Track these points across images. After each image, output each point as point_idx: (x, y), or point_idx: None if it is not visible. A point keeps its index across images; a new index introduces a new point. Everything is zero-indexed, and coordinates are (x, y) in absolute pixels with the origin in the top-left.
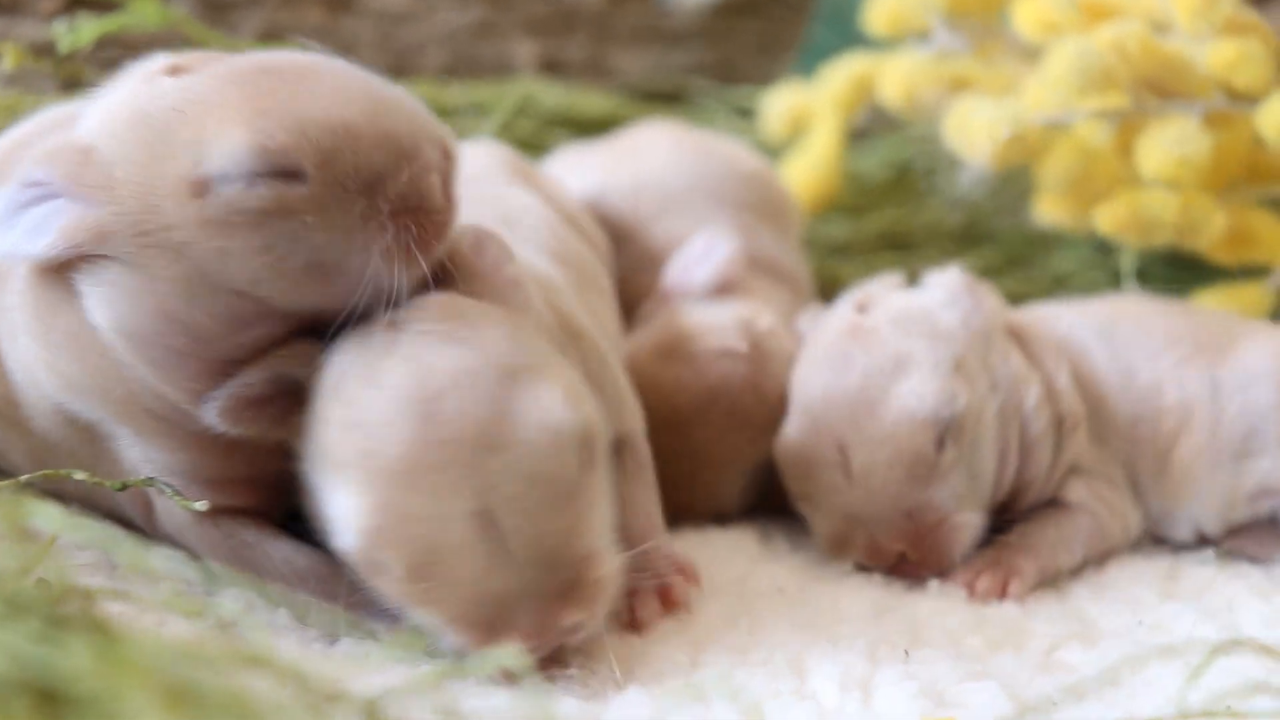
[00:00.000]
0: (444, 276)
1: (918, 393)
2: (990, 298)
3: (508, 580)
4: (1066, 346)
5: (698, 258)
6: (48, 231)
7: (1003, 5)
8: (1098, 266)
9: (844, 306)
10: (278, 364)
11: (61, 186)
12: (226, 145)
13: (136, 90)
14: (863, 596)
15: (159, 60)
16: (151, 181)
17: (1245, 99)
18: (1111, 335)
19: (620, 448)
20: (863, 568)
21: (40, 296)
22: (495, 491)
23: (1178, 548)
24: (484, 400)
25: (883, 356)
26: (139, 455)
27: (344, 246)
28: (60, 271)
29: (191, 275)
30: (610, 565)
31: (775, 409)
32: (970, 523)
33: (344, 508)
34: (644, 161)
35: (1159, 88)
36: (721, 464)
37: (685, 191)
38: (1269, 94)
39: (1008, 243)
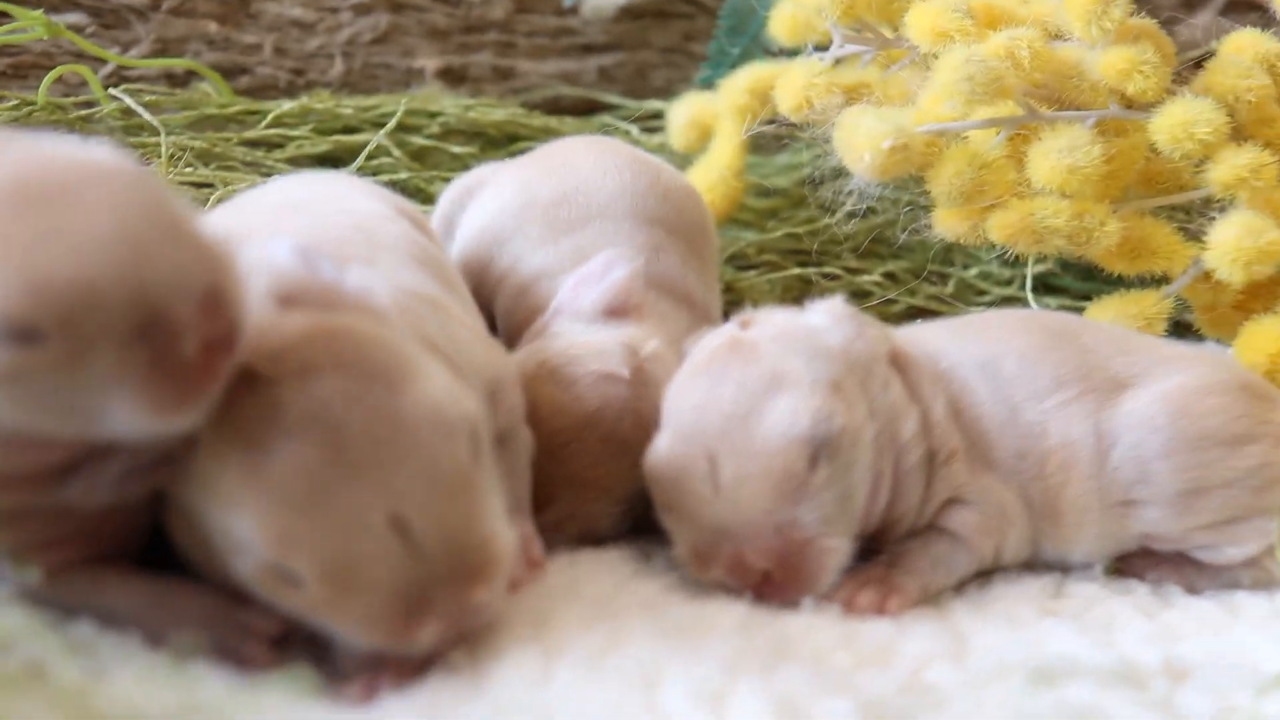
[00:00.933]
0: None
1: (793, 409)
2: (872, 327)
3: (421, 573)
4: (948, 379)
5: (593, 277)
6: None
7: (900, 13)
8: (1006, 275)
9: (727, 325)
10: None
11: None
12: None
13: None
14: (732, 612)
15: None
16: None
17: (1139, 107)
18: (996, 372)
19: (502, 438)
20: (726, 587)
21: None
22: (403, 496)
23: (1069, 567)
24: (377, 413)
25: (760, 371)
26: None
27: (91, 402)
28: None
29: None
30: (508, 542)
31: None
32: (838, 548)
33: (248, 531)
34: (572, 173)
35: (1052, 96)
36: (597, 490)
37: (606, 205)
38: (1163, 102)
39: (915, 253)
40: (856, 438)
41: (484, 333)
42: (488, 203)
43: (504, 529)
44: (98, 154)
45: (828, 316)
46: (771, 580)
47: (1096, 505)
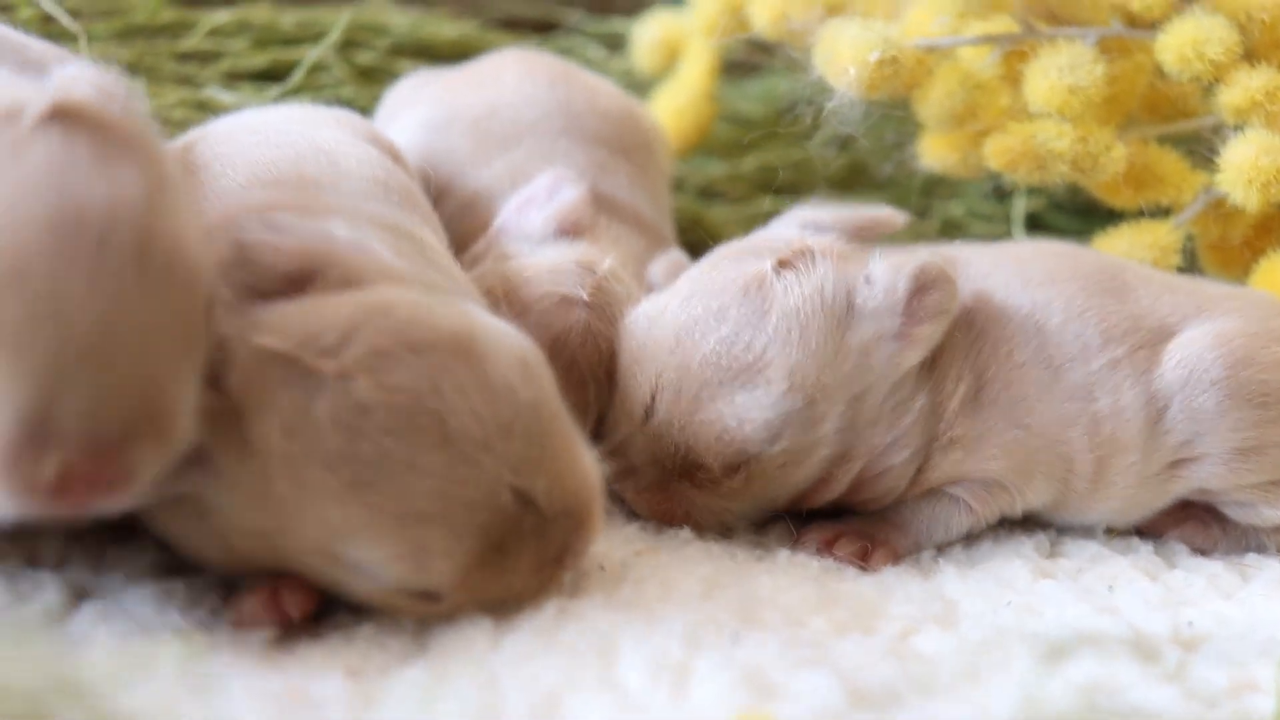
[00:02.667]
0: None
1: (746, 413)
2: (934, 305)
3: (550, 531)
4: (988, 336)
5: (538, 199)
6: None
7: None
8: (991, 213)
9: (777, 241)
10: None
11: None
12: None
13: None
14: (695, 573)
15: (53, 96)
16: None
17: (1144, 25)
18: (1040, 327)
19: None
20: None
21: None
22: (519, 467)
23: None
24: (467, 387)
25: (748, 343)
26: None
27: None
28: None
29: None
30: (597, 467)
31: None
32: (723, 523)
33: (373, 558)
34: (496, 88)
35: (1050, 13)
36: None
37: (537, 122)
38: (1169, 20)
39: (895, 188)
40: (798, 459)
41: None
42: (412, 119)
43: (589, 452)
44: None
45: (884, 291)
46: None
47: (1136, 477)
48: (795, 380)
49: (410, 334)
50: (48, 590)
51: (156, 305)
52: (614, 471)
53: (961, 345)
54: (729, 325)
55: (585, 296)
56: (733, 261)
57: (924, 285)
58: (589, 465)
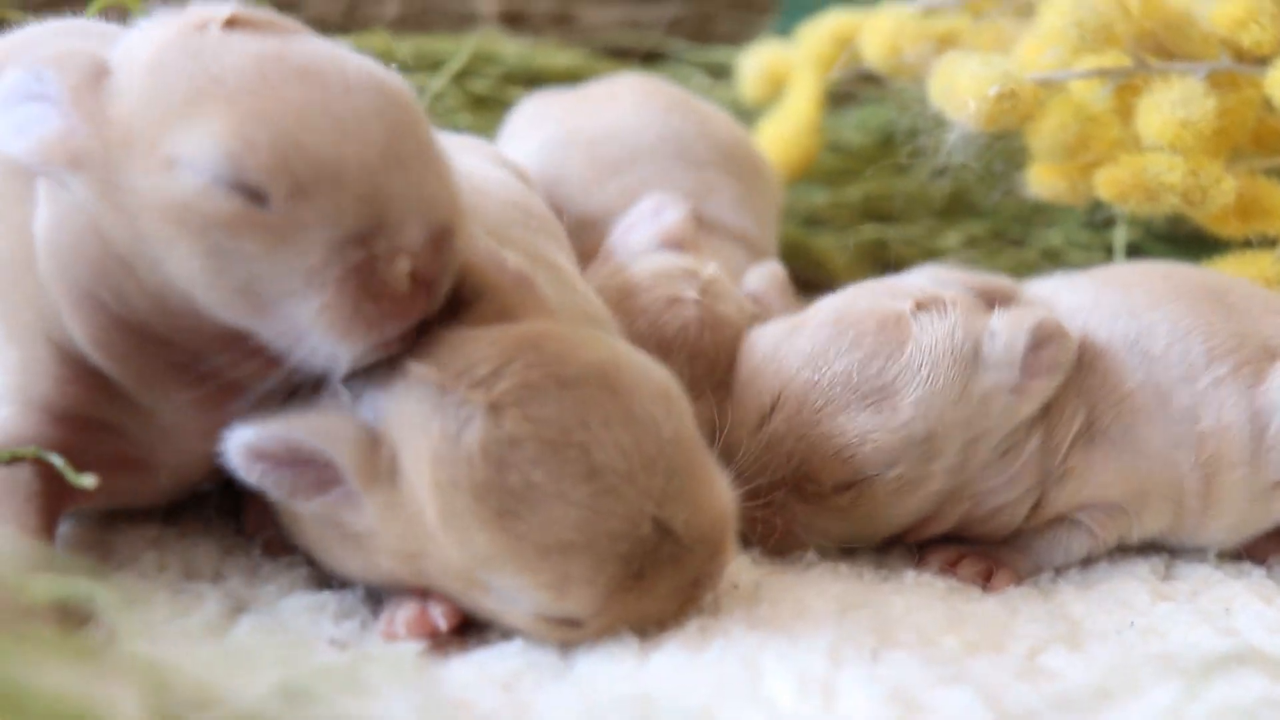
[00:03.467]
0: (461, 298)
1: (866, 434)
2: (1051, 361)
3: (688, 562)
4: (1095, 367)
5: (643, 220)
6: (28, 135)
7: None
8: (1090, 242)
9: (911, 286)
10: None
11: (59, 95)
12: (206, 136)
13: (180, 33)
14: (827, 592)
15: (225, 6)
16: (135, 135)
17: (1253, 60)
18: (1146, 351)
19: None
20: None
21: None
22: (661, 499)
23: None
24: (613, 421)
25: (880, 371)
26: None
27: (283, 288)
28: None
29: (133, 244)
30: (732, 496)
31: (730, 353)
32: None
33: (518, 588)
34: (613, 113)
35: (1161, 47)
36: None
37: (651, 147)
38: (1277, 56)
39: (996, 216)
40: (911, 489)
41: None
42: (533, 140)
43: (724, 482)
44: (371, 63)
45: (1005, 346)
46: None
47: (1246, 493)
48: (921, 411)
49: (559, 369)
50: (208, 602)
51: (424, 125)
52: None
53: (1074, 382)
54: (864, 351)
55: (694, 295)
56: (870, 298)
57: (1041, 341)
58: (724, 494)
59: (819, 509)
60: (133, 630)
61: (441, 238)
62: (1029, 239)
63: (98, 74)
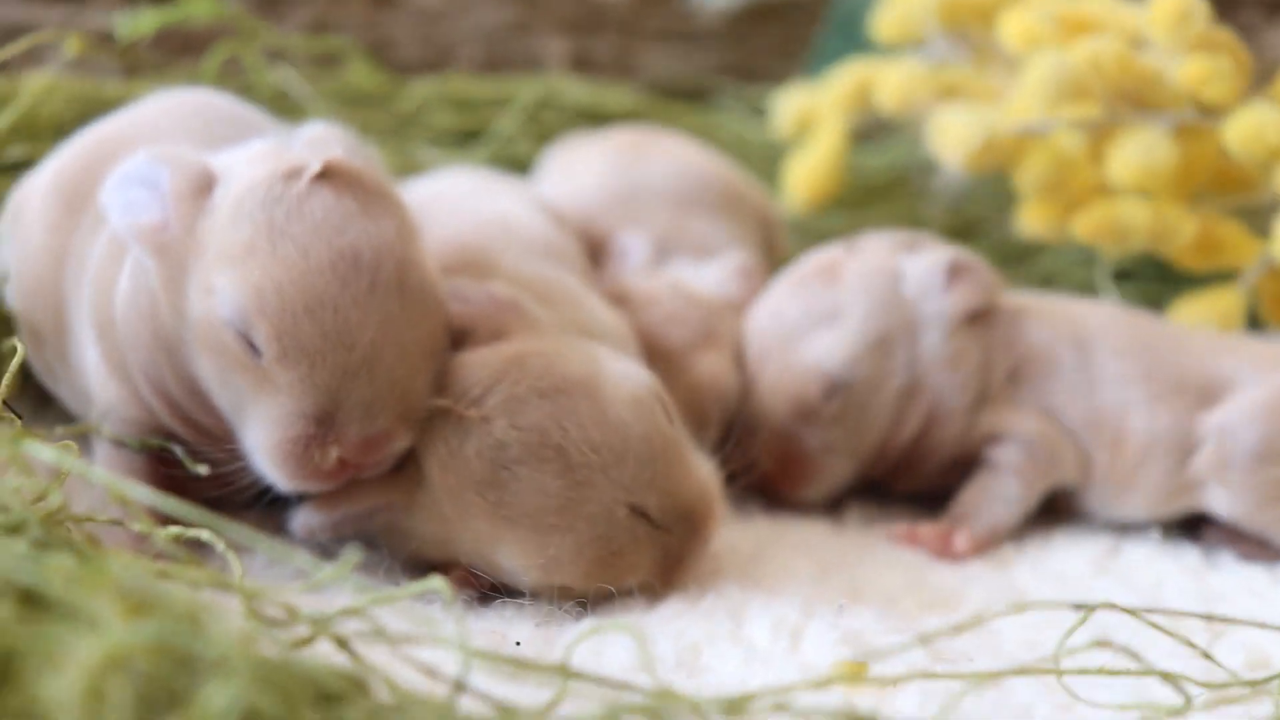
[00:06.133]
0: (462, 332)
1: (830, 347)
2: (970, 281)
3: (667, 541)
4: (1030, 343)
5: (615, 255)
6: (133, 215)
7: (995, 17)
8: (1084, 266)
9: (838, 245)
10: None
11: (166, 193)
12: (238, 283)
13: (270, 178)
14: (810, 556)
15: (324, 149)
16: (204, 252)
17: (1214, 112)
18: (1086, 348)
19: None
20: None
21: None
22: (633, 486)
23: (1123, 528)
24: (587, 423)
25: (827, 302)
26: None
27: (251, 417)
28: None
29: (178, 335)
30: (713, 477)
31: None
32: (834, 466)
33: (514, 562)
34: (640, 167)
35: (1133, 100)
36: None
37: (667, 194)
38: (1236, 108)
39: (998, 242)
40: (878, 386)
41: (601, 299)
42: (564, 182)
43: (706, 467)
44: (413, 263)
45: (923, 266)
46: (771, 477)
47: (1166, 488)
48: (866, 317)
49: (538, 382)
50: (300, 552)
51: (412, 325)
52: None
53: (1007, 338)
54: (809, 290)
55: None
56: (808, 259)
57: (957, 261)
58: (703, 479)
59: (817, 425)
60: (239, 567)
61: (375, 443)
62: (1029, 262)
63: (200, 188)
